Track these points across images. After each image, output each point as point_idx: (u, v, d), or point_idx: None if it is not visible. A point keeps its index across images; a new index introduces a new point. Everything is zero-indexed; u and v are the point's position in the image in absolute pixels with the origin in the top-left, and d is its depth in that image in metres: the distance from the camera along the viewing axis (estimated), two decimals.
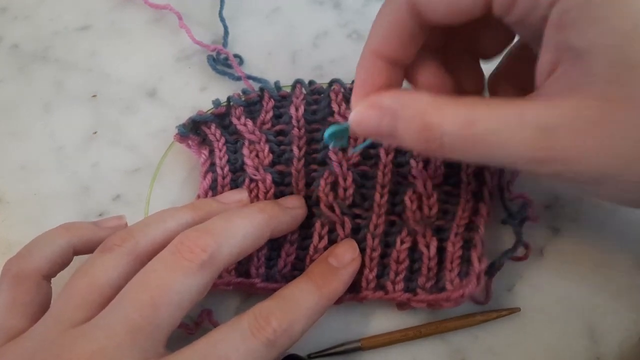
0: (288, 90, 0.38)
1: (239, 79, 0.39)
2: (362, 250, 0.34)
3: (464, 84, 0.32)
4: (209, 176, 0.36)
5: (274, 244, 0.35)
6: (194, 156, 0.38)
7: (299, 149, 0.36)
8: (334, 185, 0.35)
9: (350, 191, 0.35)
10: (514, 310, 0.34)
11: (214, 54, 0.41)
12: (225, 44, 0.41)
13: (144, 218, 0.32)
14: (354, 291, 0.34)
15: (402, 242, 0.34)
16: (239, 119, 0.37)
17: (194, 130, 0.37)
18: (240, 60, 0.41)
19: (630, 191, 0.24)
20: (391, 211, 0.35)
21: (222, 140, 0.36)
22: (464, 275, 0.33)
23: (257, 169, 0.35)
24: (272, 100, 0.37)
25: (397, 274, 0.34)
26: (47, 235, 0.32)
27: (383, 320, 0.35)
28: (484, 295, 0.34)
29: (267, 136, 0.36)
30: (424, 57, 0.30)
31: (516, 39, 0.31)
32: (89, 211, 0.38)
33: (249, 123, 0.36)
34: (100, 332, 0.26)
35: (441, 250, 0.34)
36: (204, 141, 0.37)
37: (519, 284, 0.35)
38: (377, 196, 0.35)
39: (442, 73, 0.31)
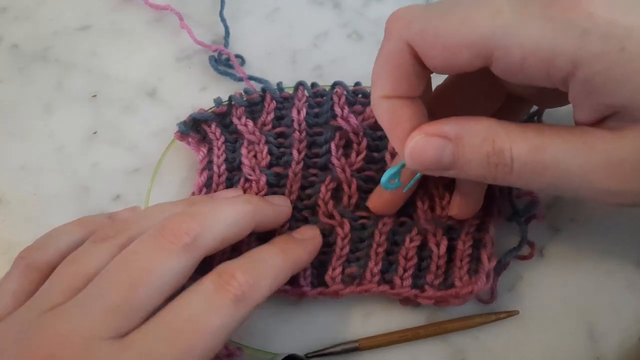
0: (290, 91, 0.38)
1: (240, 79, 0.39)
2: (368, 246, 0.34)
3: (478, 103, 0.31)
4: (205, 173, 0.36)
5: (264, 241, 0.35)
6: (194, 155, 0.38)
7: (299, 152, 0.36)
8: (336, 192, 0.35)
9: (355, 199, 0.35)
10: (512, 313, 0.34)
11: (216, 54, 0.41)
12: (226, 44, 0.41)
13: (139, 210, 0.32)
14: (356, 283, 0.34)
15: (411, 240, 0.34)
16: (239, 118, 0.37)
17: (194, 128, 0.37)
18: (241, 60, 0.41)
19: None
20: (401, 213, 0.35)
21: (222, 139, 0.36)
22: (473, 273, 0.33)
23: (253, 169, 0.35)
24: (274, 101, 0.37)
25: (405, 269, 0.34)
26: (63, 228, 0.32)
27: (382, 321, 0.35)
28: (489, 294, 0.34)
29: (267, 138, 0.36)
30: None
31: None
32: (89, 211, 0.38)
33: (250, 123, 0.36)
34: (76, 312, 0.25)
35: (450, 249, 0.34)
36: (203, 139, 0.37)
37: (519, 284, 0.35)
38: None
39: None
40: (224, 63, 0.41)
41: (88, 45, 0.43)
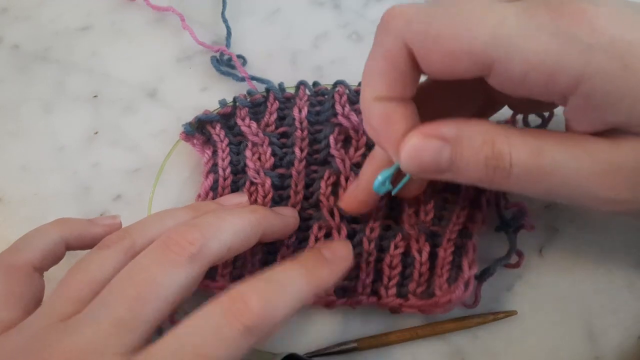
0: (291, 91, 0.38)
1: (242, 79, 0.40)
2: (359, 255, 0.34)
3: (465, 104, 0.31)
4: (211, 177, 0.36)
5: (270, 248, 0.35)
6: (197, 156, 0.38)
7: (301, 150, 0.36)
8: (335, 187, 0.35)
9: None
10: (510, 314, 0.34)
11: (218, 55, 0.41)
12: (228, 45, 0.41)
13: (143, 217, 0.32)
14: (348, 296, 0.34)
15: (396, 247, 0.34)
16: (243, 120, 0.37)
17: (199, 129, 0.37)
18: (244, 61, 0.41)
19: None
20: (388, 215, 0.35)
21: (226, 141, 0.36)
22: (453, 281, 0.32)
23: (257, 172, 0.35)
24: (277, 101, 0.37)
25: (390, 279, 0.34)
26: (40, 229, 0.32)
27: (382, 321, 0.35)
28: (472, 299, 0.34)
29: (270, 139, 0.36)
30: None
31: None
32: (89, 211, 0.38)
33: (253, 125, 0.36)
34: (85, 326, 0.25)
35: (434, 256, 0.34)
36: (208, 141, 0.37)
37: (518, 284, 0.35)
38: None
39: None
40: (225, 63, 0.41)
41: (89, 46, 0.43)
